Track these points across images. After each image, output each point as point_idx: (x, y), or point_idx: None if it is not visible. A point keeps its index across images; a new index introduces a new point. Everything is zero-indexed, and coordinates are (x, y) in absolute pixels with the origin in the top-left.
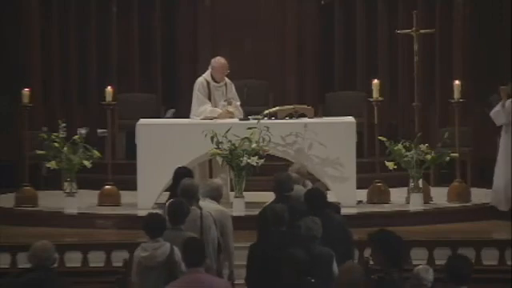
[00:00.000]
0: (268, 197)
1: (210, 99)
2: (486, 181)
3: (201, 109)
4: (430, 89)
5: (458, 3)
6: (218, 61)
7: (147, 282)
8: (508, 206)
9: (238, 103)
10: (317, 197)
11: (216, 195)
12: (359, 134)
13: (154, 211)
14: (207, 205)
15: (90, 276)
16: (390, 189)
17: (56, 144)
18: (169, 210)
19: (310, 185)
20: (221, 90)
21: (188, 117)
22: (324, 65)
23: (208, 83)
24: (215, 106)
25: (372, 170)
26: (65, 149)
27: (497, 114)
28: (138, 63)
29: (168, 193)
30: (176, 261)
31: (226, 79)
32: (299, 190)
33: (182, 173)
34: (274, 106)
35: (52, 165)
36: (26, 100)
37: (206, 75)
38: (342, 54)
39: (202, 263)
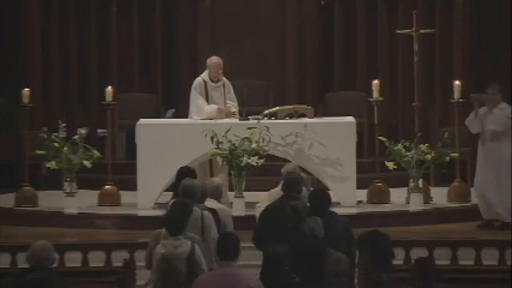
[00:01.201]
0: None
1: (207, 99)
2: None
3: (198, 104)
4: (430, 89)
5: (457, 3)
6: (212, 59)
7: None
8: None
9: (236, 104)
10: (320, 197)
11: (216, 194)
12: (359, 134)
13: (176, 209)
14: (208, 204)
15: (90, 276)
16: (390, 189)
17: (56, 144)
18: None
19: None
20: (219, 91)
21: (188, 117)
22: (324, 65)
23: (205, 83)
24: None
25: (372, 170)
26: (65, 149)
27: (471, 122)
28: (138, 63)
29: (170, 193)
30: (196, 259)
31: (225, 80)
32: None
33: (184, 172)
34: (274, 106)
35: (52, 165)
36: (26, 100)
37: (204, 75)
38: (341, 54)
39: (236, 258)
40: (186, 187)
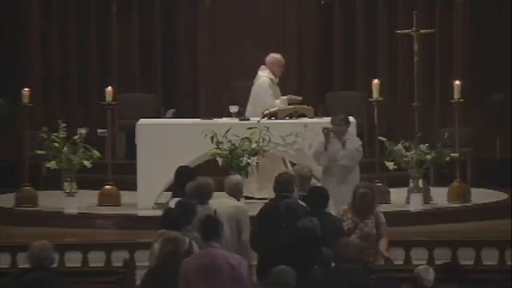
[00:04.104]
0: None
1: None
2: (486, 181)
3: (275, 103)
4: (430, 89)
5: (457, 3)
6: (275, 56)
7: None
8: None
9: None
10: (319, 196)
11: (235, 191)
12: (359, 134)
13: (172, 207)
14: (225, 201)
15: (90, 276)
16: (390, 189)
17: (56, 144)
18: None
19: (317, 184)
20: (277, 87)
21: (188, 117)
22: (324, 65)
23: (271, 81)
24: None
25: (372, 170)
26: (65, 149)
27: (319, 155)
28: (138, 63)
29: (170, 193)
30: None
31: None
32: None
33: (183, 172)
34: None
35: (52, 165)
36: (26, 100)
37: (268, 74)
38: (341, 54)
39: (216, 238)
40: (201, 185)
